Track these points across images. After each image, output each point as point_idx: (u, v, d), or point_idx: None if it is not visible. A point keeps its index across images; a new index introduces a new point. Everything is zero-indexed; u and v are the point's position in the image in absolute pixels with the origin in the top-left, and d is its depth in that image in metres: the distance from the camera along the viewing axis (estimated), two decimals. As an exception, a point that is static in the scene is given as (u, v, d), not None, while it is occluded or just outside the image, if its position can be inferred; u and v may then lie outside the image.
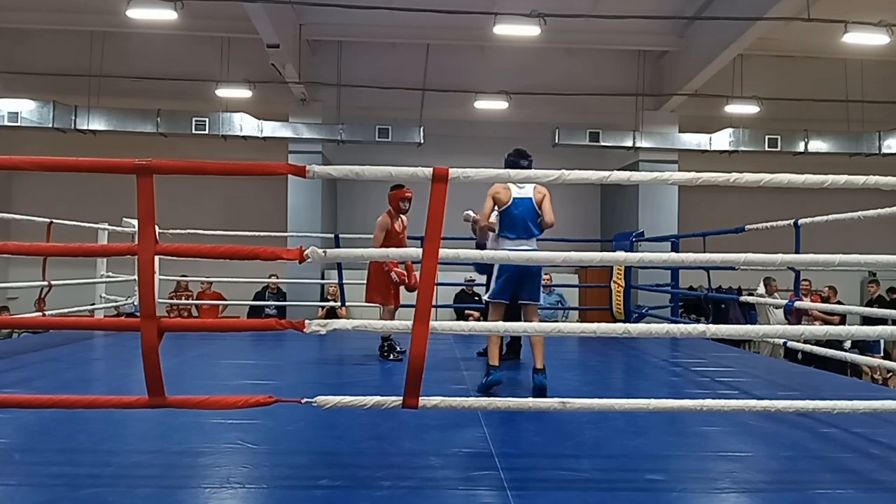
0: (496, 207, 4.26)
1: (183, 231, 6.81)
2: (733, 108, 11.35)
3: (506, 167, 4.23)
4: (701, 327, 2.76)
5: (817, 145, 11.62)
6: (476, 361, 5.64)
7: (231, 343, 6.37)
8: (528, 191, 4.19)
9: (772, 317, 8.98)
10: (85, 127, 10.95)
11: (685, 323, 9.00)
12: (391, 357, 5.52)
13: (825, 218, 4.50)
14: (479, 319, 9.99)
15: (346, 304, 8.06)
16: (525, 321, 4.29)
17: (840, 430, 3.35)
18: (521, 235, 4.20)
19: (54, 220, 6.15)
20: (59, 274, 6.49)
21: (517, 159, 4.30)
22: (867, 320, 6.55)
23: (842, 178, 2.61)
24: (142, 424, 3.25)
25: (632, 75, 11.61)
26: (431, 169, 2.52)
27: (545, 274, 9.75)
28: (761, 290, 9.38)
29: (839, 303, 9.12)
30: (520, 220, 4.19)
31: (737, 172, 2.65)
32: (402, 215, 5.55)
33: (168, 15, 8.44)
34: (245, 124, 11.28)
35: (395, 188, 5.53)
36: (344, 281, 7.84)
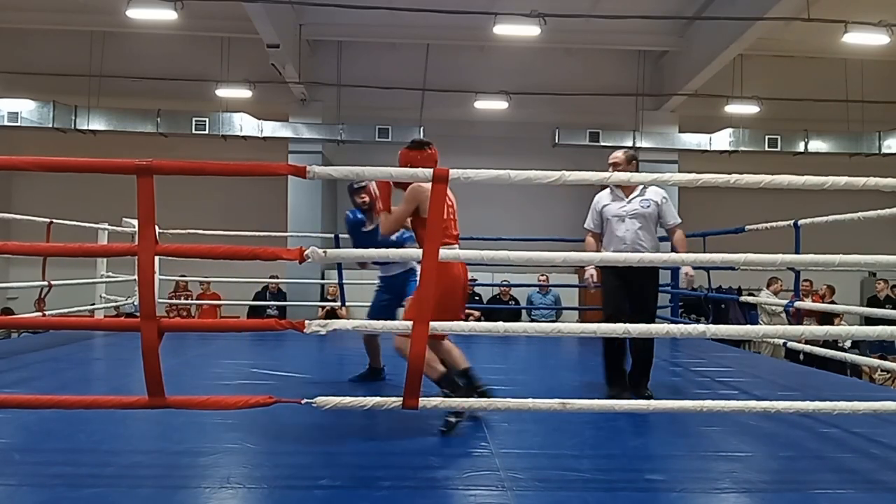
0: None
1: (183, 231, 6.80)
2: (733, 108, 11.34)
3: None
4: (701, 327, 2.77)
5: (817, 145, 11.62)
6: (476, 362, 5.63)
7: (231, 343, 6.36)
8: None
9: (774, 318, 8.93)
10: (85, 127, 10.95)
11: (685, 323, 9.02)
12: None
13: (825, 218, 4.49)
14: (478, 319, 10.00)
15: (347, 304, 8.05)
16: None
17: (840, 430, 3.35)
18: None
19: (54, 220, 6.14)
20: (59, 274, 6.49)
21: None
22: (867, 320, 6.55)
23: (842, 180, 2.60)
24: (142, 424, 3.25)
25: (632, 75, 11.60)
26: (432, 170, 2.53)
27: (541, 275, 9.77)
28: (765, 294, 9.26)
29: (833, 302, 9.06)
30: None
31: (737, 173, 2.66)
32: None
33: (168, 15, 8.44)
34: (245, 124, 11.28)
35: None
36: (344, 281, 7.82)
